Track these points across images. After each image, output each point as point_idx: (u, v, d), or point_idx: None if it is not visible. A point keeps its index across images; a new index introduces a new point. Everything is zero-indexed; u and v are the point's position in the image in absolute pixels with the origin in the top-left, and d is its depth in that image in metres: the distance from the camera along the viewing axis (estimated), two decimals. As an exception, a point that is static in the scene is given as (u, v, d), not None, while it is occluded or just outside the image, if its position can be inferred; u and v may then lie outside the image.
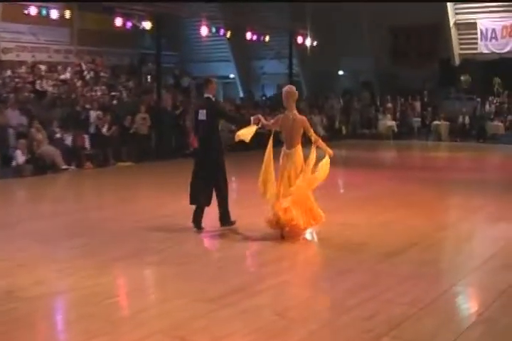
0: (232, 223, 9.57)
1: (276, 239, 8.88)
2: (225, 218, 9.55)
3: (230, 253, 8.40)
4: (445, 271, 7.76)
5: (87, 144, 18.17)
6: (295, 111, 9.13)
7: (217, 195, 9.52)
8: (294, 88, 9.28)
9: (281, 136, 9.29)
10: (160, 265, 7.69)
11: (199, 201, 9.47)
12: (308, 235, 9.21)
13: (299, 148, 9.06)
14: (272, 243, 8.75)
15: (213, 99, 9.69)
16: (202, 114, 9.44)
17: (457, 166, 19.35)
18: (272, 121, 9.43)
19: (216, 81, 9.77)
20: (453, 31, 27.19)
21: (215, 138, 9.54)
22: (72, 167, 17.21)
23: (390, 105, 28.24)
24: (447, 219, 11.03)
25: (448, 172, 17.21)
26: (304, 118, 9.24)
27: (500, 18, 26.38)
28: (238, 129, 9.65)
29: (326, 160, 9.09)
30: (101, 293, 6.51)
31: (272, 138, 9.15)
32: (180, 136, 20.52)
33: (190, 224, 9.48)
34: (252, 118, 9.50)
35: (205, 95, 9.59)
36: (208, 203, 9.50)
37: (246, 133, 9.32)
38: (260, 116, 9.59)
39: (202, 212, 9.50)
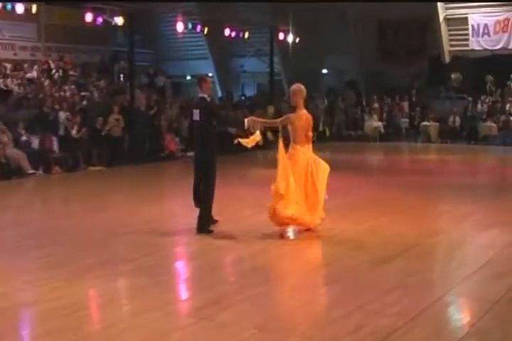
0: (209, 231, 9.56)
1: (257, 246, 8.89)
2: (203, 224, 9.53)
3: (208, 262, 8.37)
4: (435, 280, 7.79)
5: (56, 147, 18.03)
6: (304, 110, 9.46)
7: (201, 196, 9.62)
8: (302, 86, 9.54)
9: (290, 134, 9.46)
10: (133, 275, 7.63)
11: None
12: (290, 245, 9.22)
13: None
14: (252, 251, 8.75)
15: (208, 99, 9.83)
16: (196, 114, 9.64)
17: (447, 170, 19.44)
18: (279, 119, 9.77)
19: (211, 80, 9.91)
20: (443, 27, 27.27)
21: (210, 139, 9.67)
22: (40, 171, 17.07)
23: (376, 105, 28.28)
24: (437, 226, 11.04)
25: (438, 176, 17.27)
26: (310, 117, 9.56)
27: (492, 12, 26.46)
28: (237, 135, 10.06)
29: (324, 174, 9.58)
30: (70, 306, 6.45)
31: (280, 140, 9.33)
32: (154, 138, 20.46)
33: (165, 230, 9.51)
34: (245, 120, 9.68)
35: (200, 95, 9.80)
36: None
37: (249, 141, 9.62)
38: (254, 117, 9.84)
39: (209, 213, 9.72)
